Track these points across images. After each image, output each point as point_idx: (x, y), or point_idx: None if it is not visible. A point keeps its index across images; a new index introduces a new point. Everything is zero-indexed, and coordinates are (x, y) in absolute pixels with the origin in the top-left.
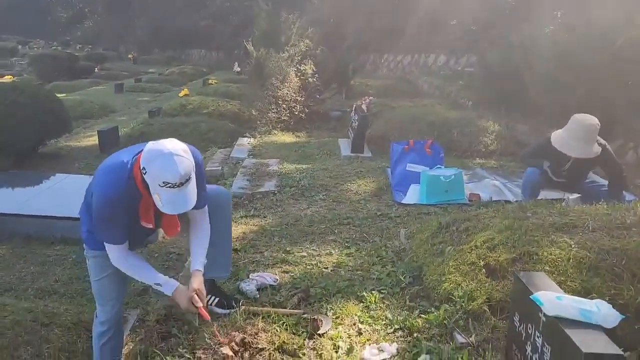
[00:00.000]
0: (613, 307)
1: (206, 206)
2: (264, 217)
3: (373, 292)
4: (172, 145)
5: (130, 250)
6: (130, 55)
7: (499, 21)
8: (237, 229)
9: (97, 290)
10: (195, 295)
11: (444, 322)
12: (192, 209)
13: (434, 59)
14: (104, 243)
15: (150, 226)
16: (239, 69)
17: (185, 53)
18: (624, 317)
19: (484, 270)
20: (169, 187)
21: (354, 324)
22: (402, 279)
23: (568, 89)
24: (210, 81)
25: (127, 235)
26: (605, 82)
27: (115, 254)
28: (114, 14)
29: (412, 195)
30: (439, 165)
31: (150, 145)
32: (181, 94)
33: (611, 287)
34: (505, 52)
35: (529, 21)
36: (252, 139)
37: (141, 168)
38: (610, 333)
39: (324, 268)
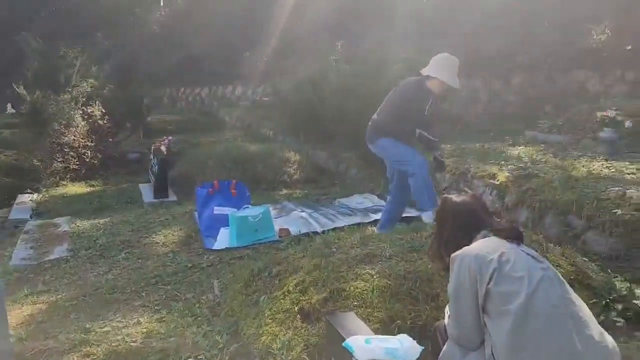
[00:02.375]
0: (415, 330)
1: None
2: (56, 291)
3: None
4: None
5: None
6: None
7: (289, 52)
8: (21, 312)
9: None
10: None
11: None
12: None
13: (232, 90)
14: None
15: None
16: (13, 110)
17: None
18: (423, 349)
19: (298, 315)
20: None
21: None
22: (219, 339)
23: (352, 119)
24: None
25: None
26: None
27: None
28: None
29: (223, 239)
30: (246, 205)
31: None
32: None
33: (411, 310)
34: (297, 82)
35: (316, 53)
36: (35, 194)
37: None
38: None
39: (132, 342)
